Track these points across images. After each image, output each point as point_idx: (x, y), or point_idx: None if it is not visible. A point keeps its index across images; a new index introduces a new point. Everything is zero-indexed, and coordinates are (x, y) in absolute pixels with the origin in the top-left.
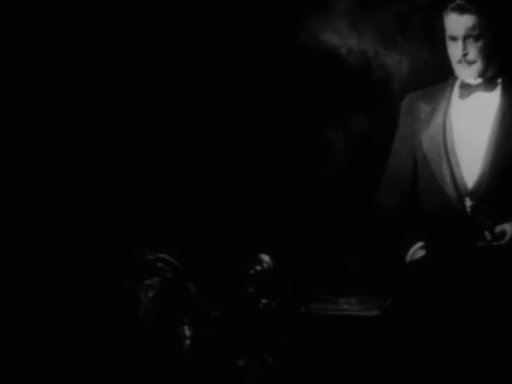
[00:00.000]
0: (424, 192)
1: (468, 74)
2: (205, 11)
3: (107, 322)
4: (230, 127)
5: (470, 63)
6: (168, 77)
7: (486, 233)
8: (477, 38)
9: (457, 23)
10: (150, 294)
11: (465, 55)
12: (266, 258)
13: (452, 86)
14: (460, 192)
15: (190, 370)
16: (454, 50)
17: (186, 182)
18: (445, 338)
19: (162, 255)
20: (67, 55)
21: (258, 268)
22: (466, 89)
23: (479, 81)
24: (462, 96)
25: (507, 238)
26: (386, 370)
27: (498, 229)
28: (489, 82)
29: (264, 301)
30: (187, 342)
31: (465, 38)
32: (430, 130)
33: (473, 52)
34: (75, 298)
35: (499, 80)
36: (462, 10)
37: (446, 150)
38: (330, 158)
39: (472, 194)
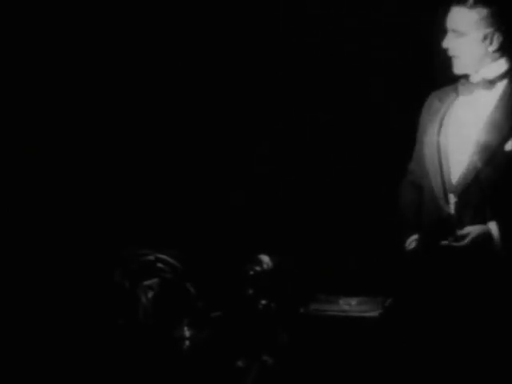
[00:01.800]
0: (424, 188)
1: (454, 66)
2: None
3: (107, 322)
4: (227, 128)
5: (453, 57)
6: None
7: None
8: (461, 34)
9: (450, 14)
10: (150, 295)
11: (447, 48)
12: (265, 258)
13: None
14: (446, 189)
15: (189, 370)
16: (443, 42)
17: (186, 182)
18: (424, 339)
19: (161, 256)
20: (67, 55)
21: (258, 269)
22: (467, 87)
23: (479, 80)
24: (462, 93)
25: (467, 240)
26: (385, 371)
27: (464, 230)
28: (490, 83)
29: (263, 302)
30: (187, 342)
31: (452, 31)
32: (432, 126)
33: (455, 47)
34: (75, 299)
35: (502, 83)
36: (458, 1)
37: (438, 146)
38: (329, 158)
39: (456, 191)
